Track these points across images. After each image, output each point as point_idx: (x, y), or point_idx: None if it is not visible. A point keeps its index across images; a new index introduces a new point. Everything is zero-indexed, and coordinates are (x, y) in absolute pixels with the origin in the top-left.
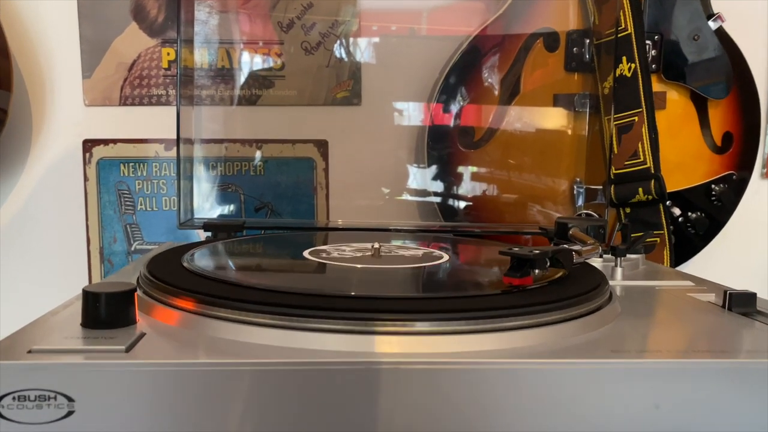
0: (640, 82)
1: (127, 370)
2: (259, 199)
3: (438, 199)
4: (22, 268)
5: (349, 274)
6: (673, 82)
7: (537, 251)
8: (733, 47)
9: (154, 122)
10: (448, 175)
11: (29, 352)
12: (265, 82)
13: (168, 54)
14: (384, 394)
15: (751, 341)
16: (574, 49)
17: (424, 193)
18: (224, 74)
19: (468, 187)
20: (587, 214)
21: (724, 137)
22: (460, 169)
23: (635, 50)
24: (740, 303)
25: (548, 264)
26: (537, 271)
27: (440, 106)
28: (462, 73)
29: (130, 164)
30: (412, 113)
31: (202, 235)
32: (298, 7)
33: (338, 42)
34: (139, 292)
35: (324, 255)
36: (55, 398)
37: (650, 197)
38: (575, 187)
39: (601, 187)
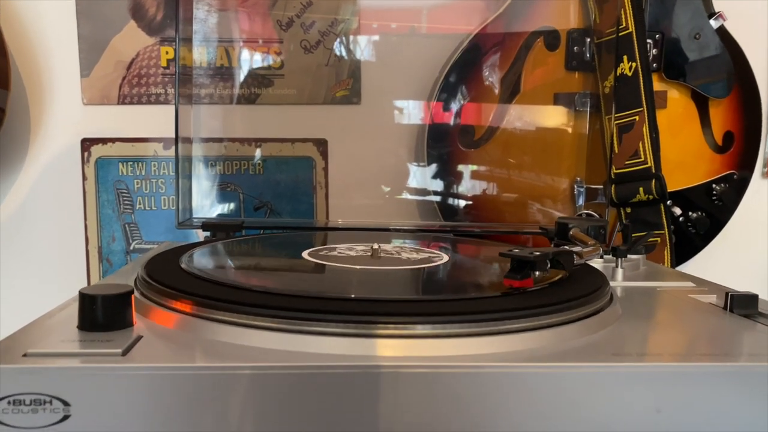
0: (641, 81)
1: (124, 373)
2: (259, 199)
3: (438, 198)
4: (20, 267)
5: (348, 275)
6: (674, 81)
7: (537, 253)
8: (734, 46)
9: (153, 121)
10: (448, 174)
11: (25, 355)
12: (264, 81)
13: (167, 52)
14: (384, 398)
15: (753, 344)
16: (575, 47)
17: (423, 192)
18: (223, 73)
19: (468, 186)
20: (588, 215)
21: (725, 136)
22: (460, 168)
23: (636, 49)
24: (742, 305)
25: (549, 266)
26: (537, 273)
27: (440, 104)
28: (462, 72)
29: (129, 163)
30: (412, 112)
31: (201, 234)
32: (298, 6)
33: (338, 40)
34: (136, 294)
35: (323, 256)
36: (50, 402)
37: (651, 197)
38: (575, 186)
39: (601, 186)
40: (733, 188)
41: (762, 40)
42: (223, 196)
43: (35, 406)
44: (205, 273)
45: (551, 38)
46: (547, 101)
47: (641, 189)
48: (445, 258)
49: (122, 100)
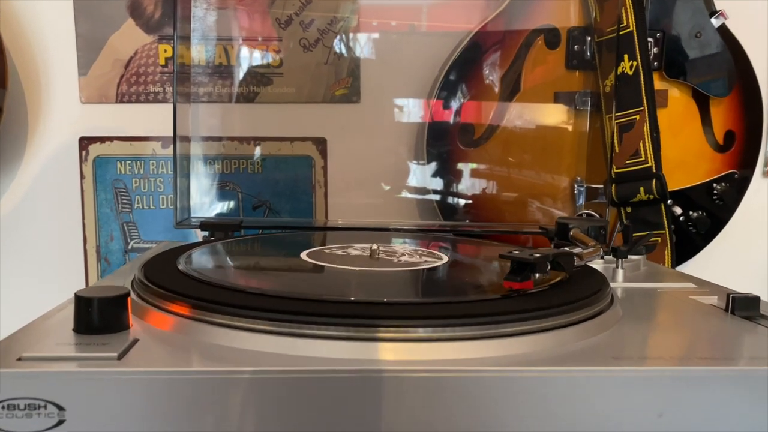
0: (642, 80)
1: (119, 378)
2: (257, 198)
3: (437, 197)
4: (18, 266)
5: (347, 277)
6: (674, 80)
7: (537, 255)
8: (735, 45)
9: (151, 120)
10: (447, 173)
11: (19, 359)
12: (263, 80)
13: (165, 51)
14: (383, 402)
15: (755, 347)
16: (575, 46)
17: (423, 191)
18: (222, 71)
19: (468, 185)
20: (588, 214)
21: (726, 135)
22: (460, 166)
23: (637, 48)
24: (743, 307)
25: (549, 267)
26: (537, 275)
27: (440, 102)
28: (462, 70)
29: (127, 162)
30: (412, 110)
31: (199, 233)
32: (297, 4)
33: (337, 38)
34: (133, 296)
35: (322, 257)
36: (45, 407)
37: (651, 196)
38: (576, 185)
39: (601, 185)
40: (734, 187)
41: (763, 38)
42: (222, 195)
43: (29, 410)
44: (203, 275)
45: (551, 37)
46: (547, 100)
47: (642, 188)
48: (445, 259)
49: (120, 99)
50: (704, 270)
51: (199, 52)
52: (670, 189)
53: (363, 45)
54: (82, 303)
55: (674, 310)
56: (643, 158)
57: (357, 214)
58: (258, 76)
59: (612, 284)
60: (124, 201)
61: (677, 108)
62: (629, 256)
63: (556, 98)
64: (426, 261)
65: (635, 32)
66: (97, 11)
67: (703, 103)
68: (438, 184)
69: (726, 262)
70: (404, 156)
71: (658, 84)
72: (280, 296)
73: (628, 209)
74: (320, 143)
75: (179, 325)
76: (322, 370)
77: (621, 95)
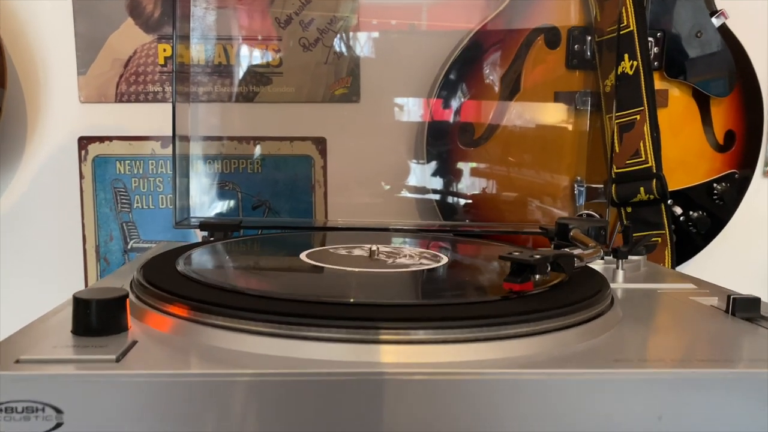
0: (643, 80)
1: (117, 380)
2: (257, 197)
3: (437, 197)
4: (17, 266)
5: (346, 278)
6: (675, 80)
7: (538, 256)
8: (736, 45)
9: (151, 119)
10: (447, 173)
11: (17, 361)
12: (262, 79)
13: (164, 50)
14: (383, 404)
15: (755, 349)
16: (576, 46)
17: (423, 190)
18: (221, 71)
19: (468, 185)
20: (588, 215)
21: (726, 135)
22: (460, 166)
23: (637, 48)
24: (743, 308)
25: (549, 269)
26: (537, 276)
27: (440, 101)
28: (463, 69)
29: (126, 162)
30: (412, 109)
31: (199, 233)
32: (296, 3)
33: (337, 37)
34: (131, 297)
35: (321, 258)
36: (43, 410)
37: (652, 197)
38: (576, 185)
39: (602, 185)
40: (734, 187)
41: (763, 38)
42: (221, 194)
43: (27, 413)
44: (202, 276)
45: (552, 36)
46: (547, 100)
47: (642, 189)
48: (445, 259)
49: (119, 98)
50: (704, 270)
51: (199, 52)
52: (670, 189)
53: (363, 44)
54: (80, 305)
55: (674, 312)
56: (644, 158)
57: (356, 214)
58: (257, 76)
59: (612, 285)
60: (124, 201)
61: (678, 108)
62: (629, 257)
63: (556, 98)
64: (426, 262)
65: (636, 32)
66: (96, 10)
67: (703, 102)
68: (438, 183)
69: (726, 262)
70: (404, 155)
71: (659, 84)
72: (279, 298)
73: (629, 209)
74: (320, 143)
75: (178, 326)
76: (322, 373)
77: (621, 95)
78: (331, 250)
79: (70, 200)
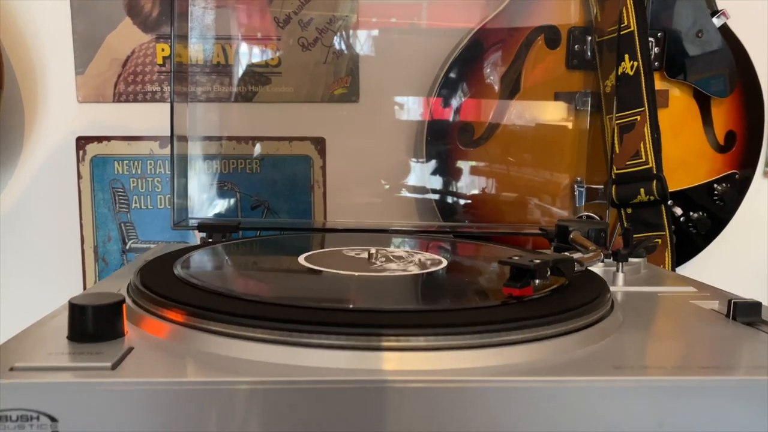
0: (643, 80)
1: (113, 388)
2: (256, 198)
3: (436, 197)
4: (16, 266)
5: (346, 283)
6: (675, 81)
7: (538, 261)
8: (737, 45)
9: (149, 119)
10: (447, 173)
11: (12, 369)
12: (261, 79)
13: (162, 50)
14: (382, 412)
15: (756, 355)
16: (576, 46)
17: (422, 190)
18: (220, 70)
19: (467, 185)
20: (588, 217)
21: (726, 136)
22: (460, 165)
23: (638, 48)
24: (744, 312)
25: (549, 273)
26: (537, 281)
27: (440, 100)
28: (463, 68)
29: (125, 162)
30: (412, 108)
31: (198, 234)
32: (295, 2)
33: (336, 37)
34: (128, 301)
35: (320, 261)
36: (37, 418)
37: (652, 198)
38: (576, 186)
39: (602, 186)
40: (735, 188)
41: (764, 38)
42: (220, 195)
43: (21, 422)
44: (200, 280)
45: (552, 36)
46: (547, 99)
47: (642, 190)
48: (444, 263)
49: (118, 98)
50: (704, 271)
51: (197, 51)
52: (670, 189)
53: (362, 44)
54: (75, 311)
55: (675, 316)
56: (644, 159)
57: (356, 214)
58: (256, 76)
59: (612, 288)
60: (122, 201)
61: (678, 108)
62: (630, 259)
63: (557, 98)
64: (425, 265)
65: (636, 32)
66: (94, 10)
67: (704, 103)
68: (437, 183)
69: (726, 262)
70: (403, 154)
71: (659, 84)
72: (278, 304)
73: (629, 210)
74: (319, 143)
75: (175, 332)
76: (322, 381)
77: (621, 95)
78: (329, 253)
79: (69, 200)
